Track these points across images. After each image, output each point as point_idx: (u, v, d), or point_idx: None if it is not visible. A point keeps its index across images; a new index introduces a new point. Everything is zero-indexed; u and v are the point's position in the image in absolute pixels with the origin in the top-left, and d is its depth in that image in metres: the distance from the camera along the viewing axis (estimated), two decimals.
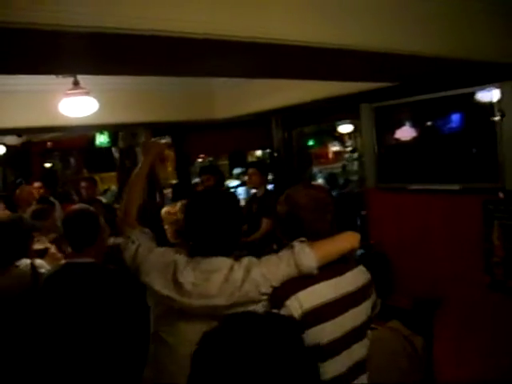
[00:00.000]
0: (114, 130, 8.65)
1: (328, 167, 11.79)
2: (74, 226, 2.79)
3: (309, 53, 2.52)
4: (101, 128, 7.80)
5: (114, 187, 10.28)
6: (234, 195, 2.29)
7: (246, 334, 1.12)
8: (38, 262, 3.04)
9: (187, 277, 1.99)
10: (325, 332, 1.88)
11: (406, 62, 3.01)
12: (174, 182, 8.04)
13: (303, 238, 2.02)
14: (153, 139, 2.57)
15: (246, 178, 7.56)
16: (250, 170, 6.01)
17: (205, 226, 2.06)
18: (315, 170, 9.62)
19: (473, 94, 3.94)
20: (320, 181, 9.41)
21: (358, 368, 1.99)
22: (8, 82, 4.49)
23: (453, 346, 3.90)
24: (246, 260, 2.01)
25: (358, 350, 2.01)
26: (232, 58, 2.61)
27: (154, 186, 6.03)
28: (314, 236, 2.03)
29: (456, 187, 4.13)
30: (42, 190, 6.78)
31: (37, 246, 3.52)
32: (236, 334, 1.13)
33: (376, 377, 2.15)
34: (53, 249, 3.59)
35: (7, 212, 4.34)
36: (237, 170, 10.55)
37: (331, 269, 2.00)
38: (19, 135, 8.74)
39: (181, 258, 2.07)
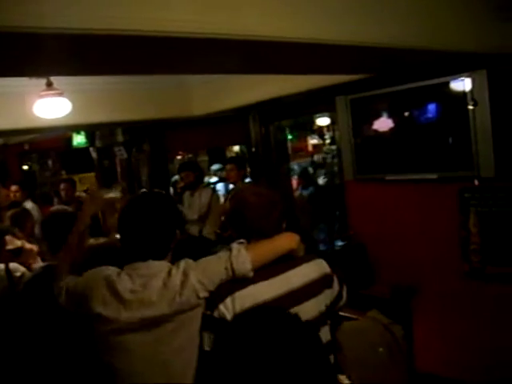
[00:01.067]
0: (90, 130, 8.59)
1: (307, 160, 11.84)
2: (51, 228, 2.78)
3: (284, 48, 2.54)
4: (77, 128, 7.75)
5: (93, 187, 10.20)
6: (167, 197, 2.27)
7: (261, 331, 1.14)
8: (13, 265, 3.01)
9: (124, 284, 1.96)
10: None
11: (381, 54, 3.04)
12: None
13: (242, 240, 2.06)
14: (101, 191, 2.52)
15: (224, 173, 7.58)
16: (228, 166, 6.03)
17: (137, 229, 2.02)
18: (293, 163, 9.62)
19: (447, 83, 3.97)
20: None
21: None
22: None
23: (432, 333, 3.95)
24: (182, 263, 1.99)
25: (323, 334, 2.03)
26: (210, 55, 2.62)
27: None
28: (257, 234, 2.07)
29: (433, 176, 4.17)
30: (18, 194, 6.69)
31: (9, 247, 3.48)
32: (252, 332, 1.15)
33: (356, 366, 2.18)
34: (27, 245, 3.56)
35: None
36: (215, 166, 10.56)
37: (271, 268, 2.03)
38: None
39: (110, 270, 2.04)
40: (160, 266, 1.98)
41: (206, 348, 1.90)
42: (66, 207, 3.45)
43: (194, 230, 5.83)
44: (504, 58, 3.56)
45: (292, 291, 2.03)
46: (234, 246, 2.02)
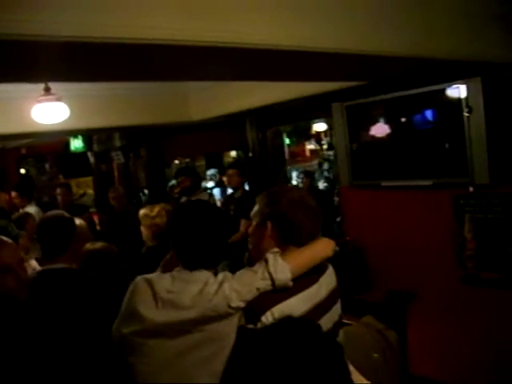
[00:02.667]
0: (88, 135, 8.61)
1: (305, 165, 11.86)
2: (46, 232, 2.79)
3: (281, 56, 2.56)
4: (75, 133, 7.77)
5: (90, 191, 10.24)
6: (219, 209, 2.25)
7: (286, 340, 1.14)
8: None
9: (163, 284, 1.97)
10: None
11: (378, 62, 3.06)
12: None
13: (276, 249, 2.00)
14: None
15: (223, 178, 7.59)
16: (230, 171, 6.02)
17: (191, 240, 2.01)
18: (290, 168, 9.65)
19: (442, 90, 4.00)
20: (294, 182, 9.48)
21: None
22: None
23: (428, 338, 3.97)
24: (221, 275, 1.97)
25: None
26: (205, 63, 2.63)
27: None
28: (307, 238, 2.02)
29: (428, 183, 4.20)
30: (17, 200, 6.70)
31: None
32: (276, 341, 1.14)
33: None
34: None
35: None
36: (211, 171, 10.57)
37: (304, 279, 1.99)
38: None
39: (153, 274, 2.08)
40: (202, 275, 1.97)
41: None
42: (62, 212, 3.45)
43: None
44: (498, 65, 3.59)
45: (322, 301, 2.03)
46: (269, 255, 1.96)
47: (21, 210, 6.05)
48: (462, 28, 3.17)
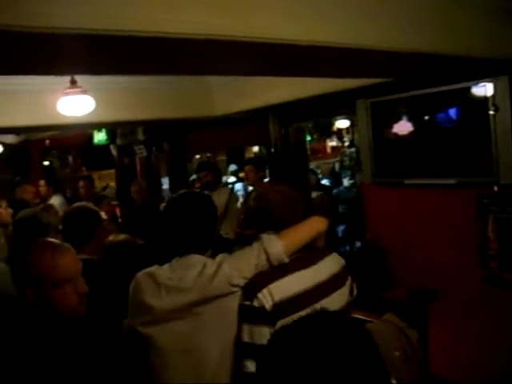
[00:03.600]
0: (111, 128, 8.67)
1: (326, 162, 11.84)
2: (70, 224, 2.83)
3: (307, 52, 2.55)
4: (99, 126, 7.83)
5: (112, 184, 10.32)
6: (206, 197, 2.35)
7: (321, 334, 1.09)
8: None
9: (162, 272, 2.09)
10: None
11: (402, 59, 3.03)
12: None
13: (271, 231, 2.11)
14: None
15: (242, 174, 7.60)
16: (247, 167, 6.03)
17: (179, 226, 2.13)
18: (312, 165, 9.63)
19: (468, 88, 3.97)
20: (324, 181, 9.46)
21: None
22: (6, 81, 4.51)
23: (449, 339, 3.94)
24: (219, 256, 2.08)
25: None
26: (231, 57, 2.64)
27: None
28: (283, 228, 2.11)
29: (451, 181, 4.17)
30: (44, 189, 6.81)
31: None
32: (310, 334, 1.10)
33: None
34: None
35: (10, 210, 4.36)
36: (232, 167, 10.58)
37: (303, 260, 2.08)
38: (17, 134, 8.75)
39: (152, 267, 2.16)
40: (199, 259, 2.07)
41: (245, 339, 1.92)
42: (87, 203, 3.49)
43: None
44: None
45: (323, 282, 2.08)
46: (264, 235, 2.08)
47: (48, 201, 6.14)
48: (488, 25, 3.13)
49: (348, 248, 7.08)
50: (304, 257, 2.10)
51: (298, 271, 2.03)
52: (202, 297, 1.98)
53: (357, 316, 3.49)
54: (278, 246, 2.02)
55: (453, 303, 4.14)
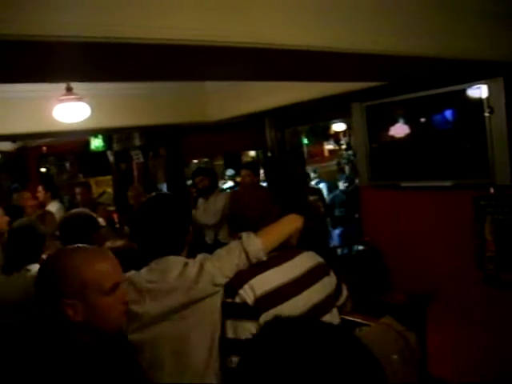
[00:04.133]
0: (108, 134, 8.67)
1: (323, 165, 11.87)
2: (67, 230, 2.84)
3: (301, 56, 2.55)
4: (95, 132, 7.82)
5: (109, 190, 10.33)
6: (175, 196, 2.41)
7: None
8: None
9: (141, 276, 2.09)
10: (283, 313, 1.92)
11: (398, 62, 3.04)
12: None
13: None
14: None
15: (239, 179, 7.62)
16: (243, 172, 6.06)
17: (151, 227, 2.16)
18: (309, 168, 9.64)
19: (463, 91, 3.97)
20: (321, 185, 9.47)
21: None
22: (1, 88, 4.51)
23: (447, 340, 3.94)
24: (199, 256, 2.12)
25: None
26: (228, 63, 2.65)
27: None
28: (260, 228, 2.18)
29: (448, 183, 4.17)
30: (41, 194, 6.82)
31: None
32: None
33: None
34: None
35: (6, 218, 4.37)
36: (230, 172, 10.60)
37: (279, 256, 2.16)
38: (14, 141, 8.75)
39: (130, 273, 2.15)
40: (177, 260, 2.09)
41: (230, 336, 1.97)
42: (84, 209, 3.50)
43: (209, 235, 5.85)
44: None
45: (301, 275, 2.15)
46: (243, 233, 2.14)
47: (46, 207, 6.14)
48: (483, 28, 3.14)
49: (346, 251, 7.08)
50: (280, 254, 2.17)
51: (275, 266, 2.11)
52: (189, 299, 2.01)
53: (355, 319, 3.50)
54: (256, 244, 2.08)
55: (451, 305, 4.14)
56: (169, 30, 1.96)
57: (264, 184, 6.58)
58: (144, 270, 2.12)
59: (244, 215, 2.22)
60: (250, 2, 2.20)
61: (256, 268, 2.06)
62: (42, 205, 6.55)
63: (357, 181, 7.20)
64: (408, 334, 2.74)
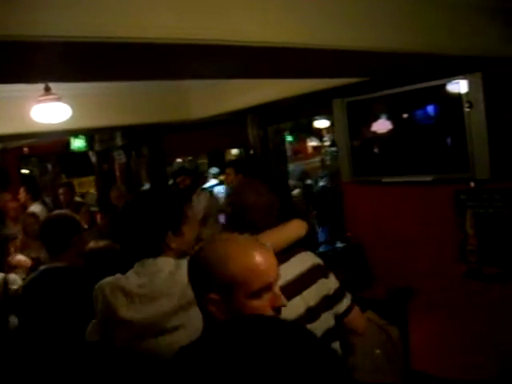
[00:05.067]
0: (89, 134, 8.61)
1: (306, 162, 11.88)
2: (48, 231, 2.81)
3: (279, 53, 2.56)
4: (76, 132, 7.77)
5: (92, 190, 10.27)
6: (162, 194, 2.23)
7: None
8: (12, 277, 3.01)
9: (131, 281, 1.97)
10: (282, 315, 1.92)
11: (378, 58, 3.06)
12: None
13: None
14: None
15: (222, 177, 7.63)
16: (227, 170, 6.07)
17: (128, 227, 2.07)
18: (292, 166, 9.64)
19: (443, 86, 3.99)
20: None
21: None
22: None
23: (430, 334, 3.97)
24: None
25: (315, 331, 1.99)
26: (208, 61, 2.65)
27: None
28: (261, 227, 2.08)
29: (429, 178, 4.20)
30: (23, 196, 6.76)
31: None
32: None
33: (351, 366, 2.20)
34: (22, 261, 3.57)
35: None
36: (214, 170, 10.59)
37: (277, 257, 2.03)
38: None
39: (113, 277, 2.04)
40: (166, 262, 1.98)
41: None
42: (65, 211, 3.47)
43: None
44: (498, 60, 3.59)
45: (296, 278, 2.07)
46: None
47: (28, 209, 6.09)
48: (462, 23, 3.16)
49: (329, 248, 7.11)
50: (276, 256, 2.06)
51: None
52: (182, 302, 1.89)
53: None
54: None
55: (434, 299, 4.16)
56: (146, 29, 1.96)
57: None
58: (132, 274, 2.00)
59: (248, 215, 2.12)
60: (232, 1, 2.20)
61: None
62: (24, 207, 6.49)
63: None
64: (390, 328, 2.76)
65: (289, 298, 1.90)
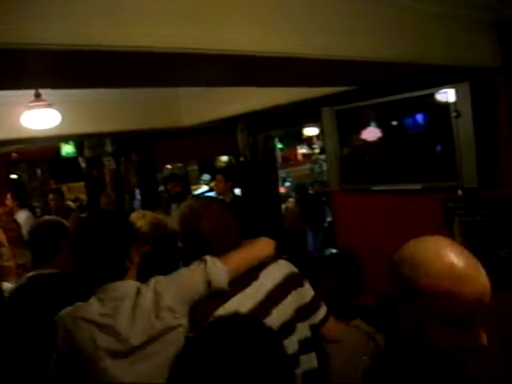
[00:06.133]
0: (79, 140, 8.60)
1: (296, 169, 11.92)
2: (36, 237, 2.80)
3: (271, 63, 2.57)
4: (66, 138, 7.76)
5: (82, 196, 10.24)
6: (116, 215, 2.13)
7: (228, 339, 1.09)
8: (6, 285, 2.99)
9: (93, 309, 1.86)
10: None
11: (367, 67, 3.08)
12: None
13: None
14: None
15: (211, 184, 7.65)
16: (218, 177, 6.09)
17: (84, 250, 1.93)
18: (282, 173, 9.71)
19: (431, 95, 4.02)
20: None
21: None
22: None
23: None
24: (152, 281, 1.90)
25: (291, 343, 1.96)
26: (198, 70, 2.66)
27: None
28: (220, 251, 1.99)
29: (417, 187, 4.22)
30: (9, 202, 6.71)
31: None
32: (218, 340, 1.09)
33: (338, 375, 2.21)
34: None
35: None
36: (205, 177, 10.61)
37: (243, 279, 1.97)
38: None
39: (72, 306, 1.93)
40: (127, 287, 1.88)
41: None
42: (54, 217, 3.45)
43: None
44: (486, 70, 3.63)
45: (268, 294, 1.98)
46: (208, 258, 1.93)
47: (14, 216, 6.03)
48: (451, 34, 3.20)
49: (320, 254, 7.15)
50: (244, 275, 1.98)
51: (238, 293, 1.93)
52: (148, 335, 1.81)
53: None
54: (222, 274, 1.89)
55: None
56: (139, 38, 1.96)
57: (238, 190, 6.60)
58: (94, 301, 1.88)
59: (203, 241, 2.00)
60: (220, 10, 2.22)
61: (220, 296, 1.88)
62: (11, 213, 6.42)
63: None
64: (378, 335, 2.76)
65: (262, 318, 1.79)
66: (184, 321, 1.85)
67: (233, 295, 1.92)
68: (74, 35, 1.81)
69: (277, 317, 1.94)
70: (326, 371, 2.30)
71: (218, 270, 1.89)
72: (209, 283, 1.87)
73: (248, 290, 1.96)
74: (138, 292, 1.86)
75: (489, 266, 3.78)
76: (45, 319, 2.51)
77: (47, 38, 1.75)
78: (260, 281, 2.01)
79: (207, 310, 1.82)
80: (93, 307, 1.86)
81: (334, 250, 5.23)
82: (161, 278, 1.92)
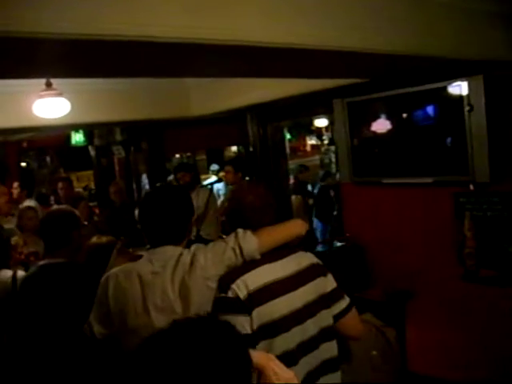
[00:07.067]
0: (89, 129, 8.61)
1: (305, 160, 11.89)
2: (48, 227, 2.81)
3: (282, 53, 2.56)
4: (76, 127, 7.77)
5: (91, 185, 10.27)
6: (179, 188, 2.39)
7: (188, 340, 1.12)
8: (21, 273, 3.01)
9: (146, 268, 2.08)
10: (276, 308, 2.00)
11: (380, 60, 3.07)
12: None
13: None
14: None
15: (222, 174, 7.65)
16: (226, 168, 6.09)
17: (155, 217, 2.16)
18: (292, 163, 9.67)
19: (444, 88, 3.99)
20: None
21: (309, 345, 2.09)
22: None
23: (426, 336, 3.98)
24: (193, 247, 2.14)
25: (312, 326, 2.11)
26: (210, 60, 2.65)
27: None
28: (258, 226, 2.17)
29: (428, 180, 4.20)
30: (17, 191, 6.72)
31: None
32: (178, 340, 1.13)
33: (348, 368, 2.21)
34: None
35: None
36: (214, 167, 10.60)
37: (274, 253, 2.14)
38: None
39: (138, 262, 2.15)
40: (174, 250, 2.10)
41: None
42: (64, 206, 3.46)
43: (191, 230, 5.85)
44: (500, 64, 3.59)
45: (294, 274, 2.13)
46: (240, 230, 2.13)
47: (21, 206, 6.05)
48: (464, 26, 3.18)
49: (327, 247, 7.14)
50: (273, 252, 2.15)
51: (267, 263, 2.09)
52: (181, 290, 2.01)
53: None
54: (252, 242, 2.08)
55: (431, 301, 4.17)
56: (149, 28, 1.96)
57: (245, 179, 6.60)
58: (145, 261, 2.12)
59: (246, 214, 2.20)
60: (234, 1, 2.21)
61: (249, 264, 2.06)
62: (16, 202, 6.43)
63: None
64: (387, 329, 2.76)
65: (286, 292, 2.03)
66: (214, 285, 2.03)
67: (261, 264, 2.08)
68: (87, 24, 1.81)
69: (301, 295, 2.09)
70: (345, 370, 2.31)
71: (249, 238, 2.09)
72: (240, 250, 2.06)
73: (279, 263, 2.12)
74: (181, 254, 2.09)
75: (498, 262, 3.80)
76: (55, 308, 2.53)
77: (60, 27, 1.76)
78: (287, 260, 2.16)
79: (237, 273, 2.02)
80: (145, 266, 2.09)
81: (339, 244, 5.20)
82: (200, 245, 2.16)
